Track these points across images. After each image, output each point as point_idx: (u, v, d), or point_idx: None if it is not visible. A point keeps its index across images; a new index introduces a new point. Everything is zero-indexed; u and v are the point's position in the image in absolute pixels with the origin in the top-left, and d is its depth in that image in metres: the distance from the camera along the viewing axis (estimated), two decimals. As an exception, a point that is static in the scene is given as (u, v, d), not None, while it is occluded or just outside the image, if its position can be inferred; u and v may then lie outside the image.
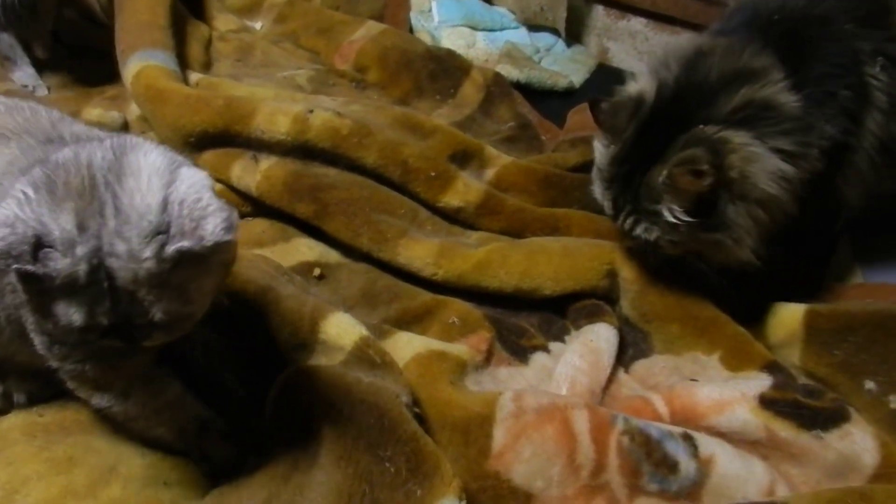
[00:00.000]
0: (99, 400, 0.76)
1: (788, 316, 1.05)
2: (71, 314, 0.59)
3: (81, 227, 0.58)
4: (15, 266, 0.56)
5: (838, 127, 1.03)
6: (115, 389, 0.75)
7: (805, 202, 1.04)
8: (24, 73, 1.57)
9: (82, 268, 0.58)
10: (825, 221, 1.13)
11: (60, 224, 0.58)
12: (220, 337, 0.92)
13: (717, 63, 1.01)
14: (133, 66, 1.41)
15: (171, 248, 0.59)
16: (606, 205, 1.07)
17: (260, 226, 1.24)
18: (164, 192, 0.61)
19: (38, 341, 0.73)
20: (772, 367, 1.01)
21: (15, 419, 0.86)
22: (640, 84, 1.06)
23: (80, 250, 0.58)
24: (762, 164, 0.97)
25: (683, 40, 1.09)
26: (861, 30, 1.04)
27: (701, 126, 0.97)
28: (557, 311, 1.16)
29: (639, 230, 1.03)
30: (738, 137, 0.96)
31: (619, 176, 1.03)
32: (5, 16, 1.46)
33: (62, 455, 0.81)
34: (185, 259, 0.59)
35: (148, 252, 0.59)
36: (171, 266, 0.59)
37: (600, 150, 1.08)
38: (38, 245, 0.57)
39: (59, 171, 0.61)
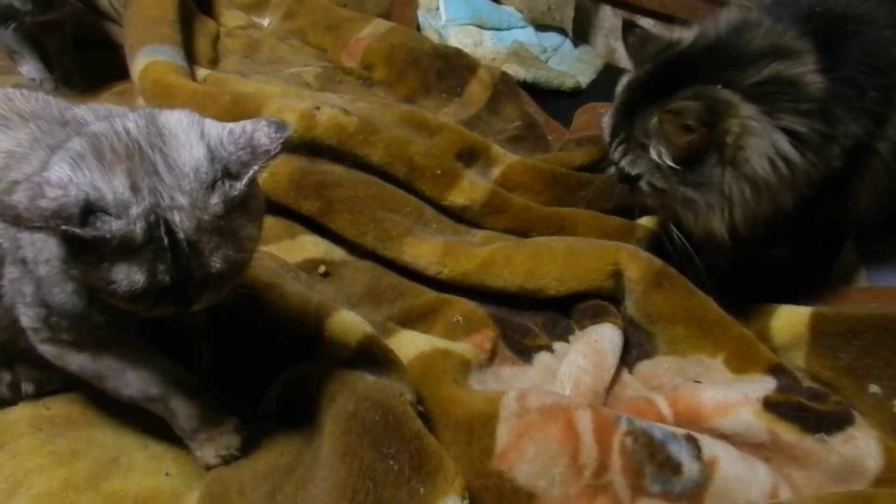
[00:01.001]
0: (72, 359, 0.76)
1: (794, 318, 1.05)
2: (133, 276, 0.60)
3: (135, 188, 0.60)
4: (63, 227, 0.57)
5: (863, 127, 1.02)
6: (89, 353, 0.76)
7: (813, 200, 1.04)
8: (32, 67, 1.57)
9: (139, 226, 0.59)
10: (831, 222, 1.13)
11: (114, 187, 0.59)
12: (226, 333, 0.92)
13: (760, 35, 1.02)
14: (141, 61, 1.41)
15: (242, 181, 0.62)
16: (606, 130, 1.08)
17: (266, 222, 1.23)
18: (204, 141, 0.64)
19: (32, 313, 0.73)
20: (776, 370, 1.01)
21: (22, 412, 0.86)
22: (684, 33, 1.08)
23: (135, 210, 0.59)
24: (763, 141, 0.96)
25: (735, 10, 1.09)
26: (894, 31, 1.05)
27: (718, 85, 0.97)
28: (562, 311, 1.16)
29: (625, 161, 1.04)
30: (747, 108, 0.96)
31: (625, 104, 1.05)
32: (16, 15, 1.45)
33: (65, 448, 0.82)
34: (244, 196, 0.63)
35: (214, 198, 0.62)
36: (237, 204, 0.63)
37: (622, 81, 1.10)
38: (89, 209, 0.58)
39: (102, 139, 0.62)
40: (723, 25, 1.06)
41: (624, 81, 1.10)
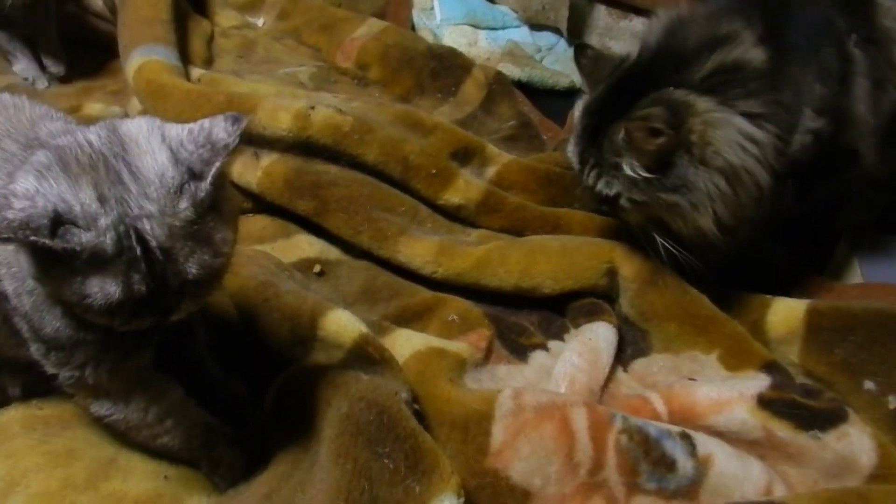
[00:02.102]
0: (98, 407, 0.75)
1: (789, 313, 1.05)
2: (107, 288, 0.59)
3: (102, 199, 0.59)
4: (32, 238, 0.56)
5: (829, 87, 1.03)
6: (115, 395, 0.75)
7: (817, 160, 1.05)
8: (25, 66, 1.57)
9: (109, 237, 0.58)
10: (839, 170, 1.12)
11: (80, 199, 0.58)
12: (220, 335, 0.92)
13: (696, 30, 1.03)
14: (135, 60, 1.41)
15: (206, 181, 0.61)
16: (574, 159, 1.08)
17: (261, 222, 1.25)
18: (166, 144, 0.63)
19: (33, 349, 0.72)
20: (770, 367, 1.01)
21: (14, 412, 0.86)
22: (633, 49, 1.09)
23: (104, 221, 0.58)
24: (726, 131, 0.97)
25: (663, 13, 1.11)
26: (836, 8, 1.07)
27: (671, 87, 0.98)
28: (557, 310, 1.16)
29: (601, 185, 1.03)
30: (703, 103, 0.97)
31: (587, 129, 1.05)
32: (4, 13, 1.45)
33: (62, 448, 0.81)
34: (214, 198, 0.62)
35: (183, 202, 0.61)
36: (207, 207, 0.62)
37: (578, 105, 1.11)
38: (58, 221, 0.57)
39: (66, 151, 0.62)
40: (657, 31, 1.07)
41: (580, 106, 1.10)
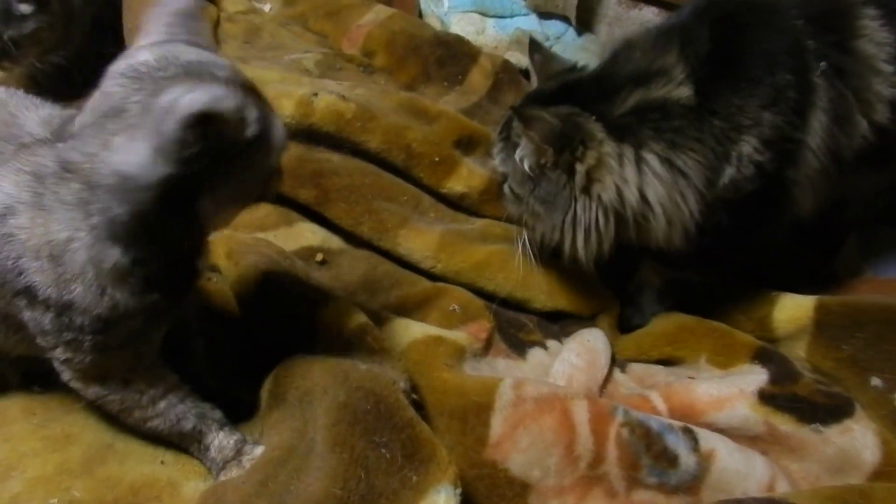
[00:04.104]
0: (96, 389, 0.75)
1: (798, 309, 1.04)
2: None
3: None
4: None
5: (782, 116, 0.96)
6: (116, 378, 0.74)
7: (736, 204, 0.99)
8: None
9: None
10: (767, 224, 1.07)
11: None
12: (218, 323, 0.91)
13: (635, 58, 1.00)
14: (139, 45, 1.40)
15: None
16: (496, 127, 1.11)
17: (263, 209, 1.23)
18: None
19: (48, 339, 0.70)
20: (762, 356, 1.00)
21: (14, 397, 0.86)
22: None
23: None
24: (621, 174, 0.95)
25: (621, 34, 1.13)
26: (810, 27, 0.98)
27: (589, 115, 0.96)
28: (550, 320, 1.16)
29: (498, 158, 1.08)
30: (608, 144, 0.95)
31: (519, 107, 1.03)
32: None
33: (59, 432, 0.81)
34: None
35: None
36: None
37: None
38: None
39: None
40: (608, 52, 1.06)
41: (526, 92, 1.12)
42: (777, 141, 0.97)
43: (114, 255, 0.65)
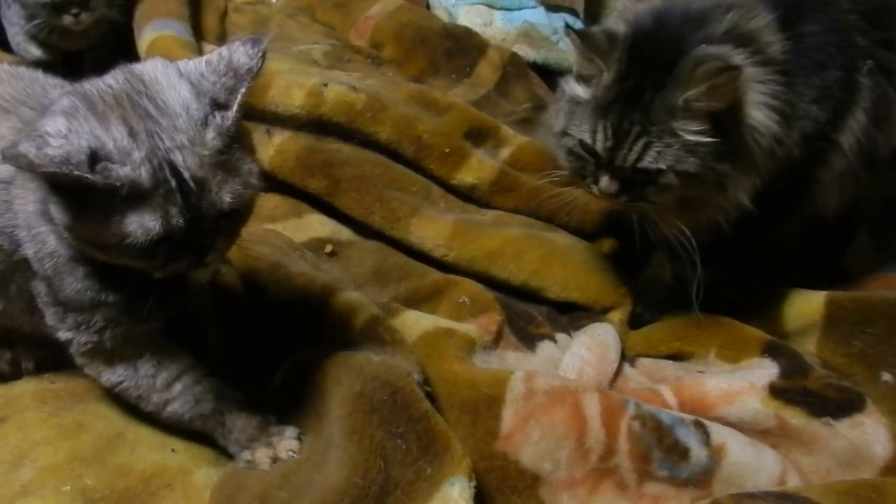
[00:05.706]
0: (110, 375, 0.76)
1: (808, 305, 1.04)
2: (146, 224, 0.59)
3: (132, 134, 0.59)
4: (76, 174, 0.56)
5: (825, 112, 0.94)
6: (126, 361, 0.75)
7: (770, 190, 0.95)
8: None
9: (145, 170, 0.59)
10: (786, 218, 1.04)
11: (112, 135, 0.59)
12: (231, 315, 0.91)
13: (696, 4, 0.93)
14: (147, 35, 1.39)
15: (232, 109, 0.62)
16: (602, 135, 0.90)
17: (272, 201, 1.23)
18: (185, 78, 0.63)
19: (50, 313, 0.73)
20: (772, 350, 0.99)
21: (27, 385, 0.86)
22: (606, 27, 0.98)
23: (137, 155, 0.59)
24: (758, 88, 0.89)
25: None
26: (861, 23, 0.96)
27: (703, 45, 0.87)
28: (561, 311, 1.15)
29: (649, 157, 0.88)
30: (737, 56, 0.87)
31: (616, 100, 0.89)
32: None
33: (71, 421, 0.81)
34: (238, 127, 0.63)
35: (210, 133, 0.61)
36: (233, 137, 0.62)
37: (577, 87, 0.94)
38: (94, 158, 0.58)
39: (89, 94, 0.62)
40: (644, 9, 0.96)
41: (574, 85, 0.95)
42: (814, 139, 0.96)
43: (51, 242, 0.68)
